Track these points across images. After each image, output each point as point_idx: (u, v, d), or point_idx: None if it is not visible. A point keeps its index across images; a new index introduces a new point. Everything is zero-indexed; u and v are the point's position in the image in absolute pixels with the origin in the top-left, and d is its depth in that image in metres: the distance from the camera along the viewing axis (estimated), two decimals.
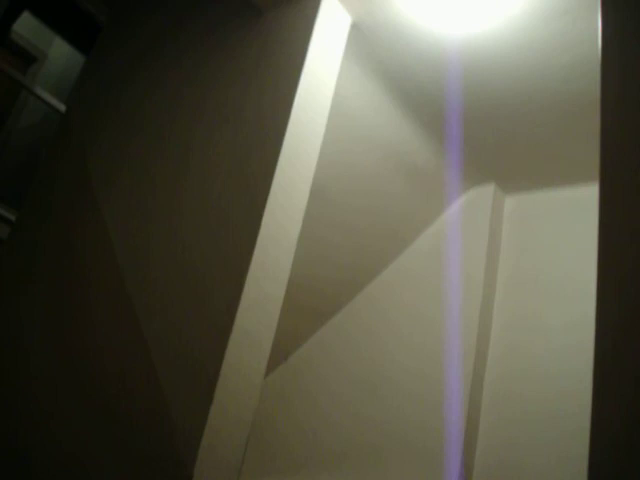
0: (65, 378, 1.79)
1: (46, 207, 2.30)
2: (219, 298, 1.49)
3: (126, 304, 1.72)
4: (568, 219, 2.44)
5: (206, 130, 1.88)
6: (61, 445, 1.66)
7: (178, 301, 1.60)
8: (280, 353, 2.59)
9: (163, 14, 2.42)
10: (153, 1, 2.52)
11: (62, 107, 3.34)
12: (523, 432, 2.16)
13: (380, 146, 2.28)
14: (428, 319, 2.43)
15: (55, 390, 1.80)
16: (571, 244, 2.38)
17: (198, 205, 1.73)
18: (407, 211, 2.55)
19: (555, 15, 1.71)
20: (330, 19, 1.78)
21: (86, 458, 1.57)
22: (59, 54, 4.32)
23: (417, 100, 2.16)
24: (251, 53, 1.89)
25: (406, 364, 2.40)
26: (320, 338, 2.65)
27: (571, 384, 2.11)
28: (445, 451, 2.16)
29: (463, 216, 2.60)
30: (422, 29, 1.86)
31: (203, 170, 1.79)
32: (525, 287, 2.43)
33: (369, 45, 1.95)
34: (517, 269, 2.49)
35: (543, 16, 1.72)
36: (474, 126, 2.24)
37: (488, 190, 2.58)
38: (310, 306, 2.55)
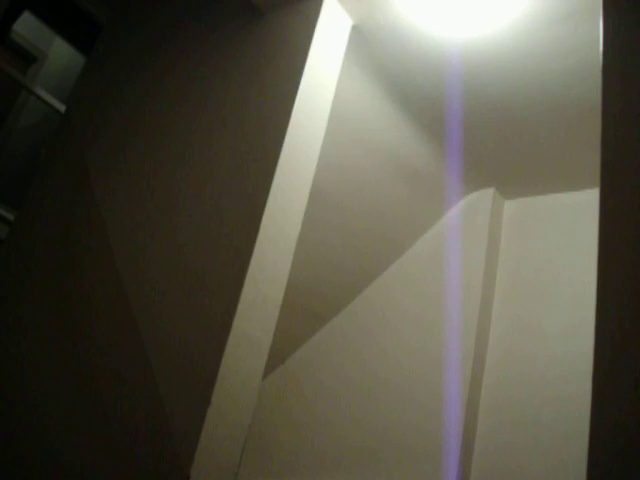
0: (62, 379, 1.79)
1: (45, 207, 2.29)
2: (218, 300, 1.49)
3: (124, 305, 1.71)
4: (567, 224, 2.44)
5: (206, 131, 1.88)
6: (57, 447, 1.66)
7: (177, 303, 1.60)
8: (278, 355, 2.59)
9: (163, 14, 2.42)
10: (153, 2, 2.52)
11: (62, 107, 3.34)
12: (521, 436, 2.16)
13: (380, 149, 2.27)
14: (427, 323, 2.43)
15: (52, 391, 1.79)
16: (570, 249, 2.38)
17: (197, 206, 1.72)
18: (407, 214, 2.55)
19: (557, 19, 1.71)
20: (331, 21, 1.78)
21: (83, 459, 1.57)
22: (59, 54, 4.32)
23: (418, 104, 2.16)
24: (251, 54, 1.89)
25: (405, 368, 2.39)
26: (318, 341, 2.64)
27: (569, 388, 2.11)
28: (443, 455, 2.15)
29: (463, 220, 2.60)
30: (423, 32, 1.86)
31: (202, 171, 1.79)
32: (524, 291, 2.43)
33: (370, 48, 1.95)
34: (516, 273, 2.49)
35: (545, 20, 1.72)
36: (474, 130, 2.24)
37: (488, 194, 2.58)
38: (308, 308, 2.54)
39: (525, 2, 1.68)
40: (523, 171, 2.45)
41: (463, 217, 2.61)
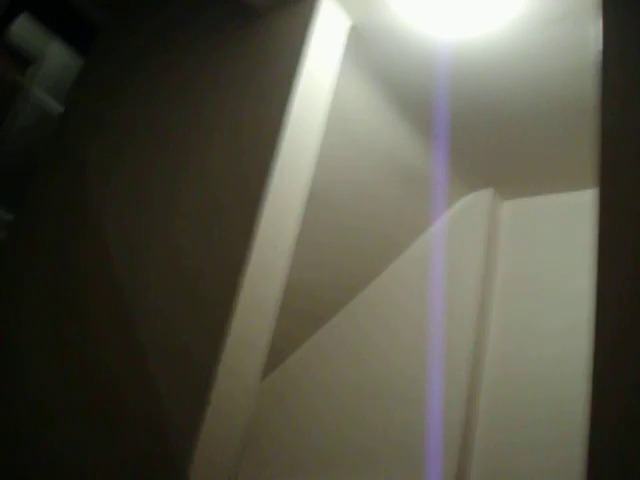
0: (61, 380, 1.78)
1: (43, 208, 2.29)
2: (215, 301, 1.49)
3: (122, 307, 1.71)
4: (566, 224, 2.44)
5: (203, 132, 1.87)
6: (56, 447, 1.65)
7: (174, 304, 1.60)
8: (277, 356, 2.59)
9: (161, 16, 2.42)
10: (151, 3, 2.52)
11: (60, 108, 3.33)
12: (520, 437, 2.16)
13: (377, 150, 2.27)
14: (424, 323, 2.43)
15: (51, 392, 1.79)
16: (569, 249, 2.38)
17: (195, 207, 1.72)
18: (404, 215, 2.55)
19: (554, 19, 1.71)
20: (328, 21, 1.78)
21: (80, 461, 1.57)
22: (57, 55, 4.31)
23: (415, 104, 2.16)
24: (249, 55, 1.89)
25: (402, 368, 2.39)
26: (316, 341, 2.64)
27: (568, 389, 2.11)
28: (443, 455, 2.15)
29: (461, 221, 2.60)
30: (419, 33, 1.86)
31: (200, 173, 1.79)
32: (522, 291, 2.43)
33: (367, 49, 1.95)
34: (514, 274, 2.49)
35: (541, 21, 1.72)
36: (472, 131, 2.24)
37: (486, 195, 2.58)
38: (306, 309, 2.54)
39: (521, 3, 1.68)
40: (521, 171, 2.45)
41: (461, 217, 2.61)
